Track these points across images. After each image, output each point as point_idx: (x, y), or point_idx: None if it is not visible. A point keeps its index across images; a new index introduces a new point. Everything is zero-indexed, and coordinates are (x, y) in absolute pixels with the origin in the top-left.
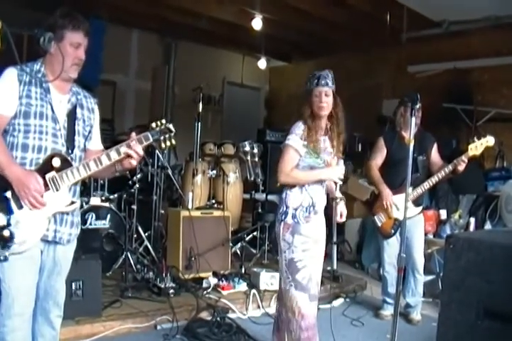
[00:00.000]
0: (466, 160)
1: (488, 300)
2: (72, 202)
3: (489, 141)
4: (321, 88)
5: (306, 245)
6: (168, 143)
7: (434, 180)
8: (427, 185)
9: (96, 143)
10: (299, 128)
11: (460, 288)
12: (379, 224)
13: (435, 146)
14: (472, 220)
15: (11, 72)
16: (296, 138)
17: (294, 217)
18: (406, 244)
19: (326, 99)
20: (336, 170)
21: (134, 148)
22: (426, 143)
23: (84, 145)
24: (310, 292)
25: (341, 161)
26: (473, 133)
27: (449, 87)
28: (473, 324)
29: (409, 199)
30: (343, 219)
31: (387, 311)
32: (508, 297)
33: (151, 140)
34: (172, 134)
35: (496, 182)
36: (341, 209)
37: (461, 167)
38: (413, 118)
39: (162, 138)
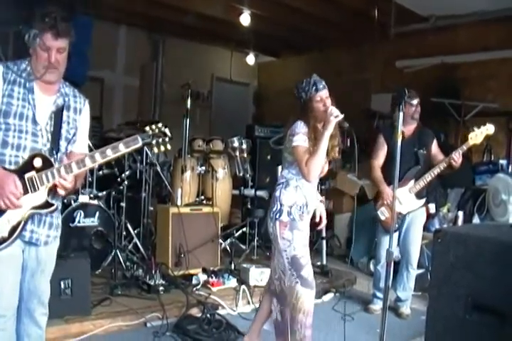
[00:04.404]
0: (463, 151)
1: (476, 294)
2: (50, 204)
3: (489, 129)
4: (321, 92)
5: (305, 240)
6: (162, 148)
7: (435, 171)
8: (428, 176)
9: (80, 146)
10: (303, 127)
11: (448, 282)
12: (383, 218)
13: (435, 142)
14: (460, 214)
15: None
16: (302, 137)
17: (289, 214)
18: (404, 236)
19: (329, 102)
20: (330, 115)
21: (59, 178)
22: (425, 139)
23: (66, 149)
24: (314, 288)
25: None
26: (461, 128)
27: (437, 81)
28: (461, 317)
29: (412, 191)
30: (323, 224)
31: (377, 305)
32: (495, 291)
33: (140, 143)
34: (167, 139)
35: (484, 175)
36: (321, 212)
37: (458, 158)
38: (401, 113)
39: (155, 142)
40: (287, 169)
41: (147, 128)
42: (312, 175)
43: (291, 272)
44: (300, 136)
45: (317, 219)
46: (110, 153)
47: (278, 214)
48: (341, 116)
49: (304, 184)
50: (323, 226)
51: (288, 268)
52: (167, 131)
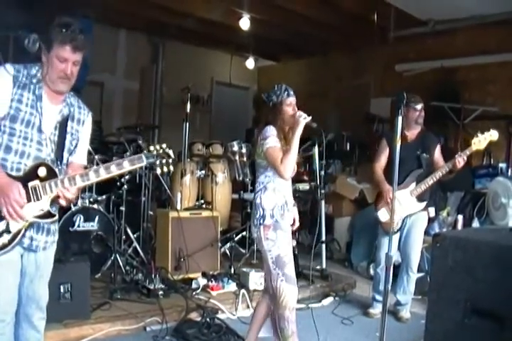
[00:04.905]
0: (466, 156)
1: (475, 298)
2: (52, 215)
3: (493, 135)
4: (291, 98)
5: (288, 239)
6: (165, 169)
7: (437, 175)
8: (430, 180)
9: (80, 157)
10: (273, 130)
11: (447, 287)
12: (383, 220)
13: (438, 147)
14: (460, 217)
15: (8, 71)
16: (274, 138)
17: (272, 216)
18: (404, 240)
19: (296, 107)
20: (299, 116)
21: (63, 190)
22: (429, 143)
23: (67, 160)
24: (296, 285)
25: None
26: (460, 131)
27: (437, 85)
28: (460, 321)
29: (413, 194)
30: (296, 226)
31: (377, 309)
32: (494, 295)
33: (145, 162)
34: (170, 160)
35: (484, 179)
36: (294, 215)
37: (460, 163)
38: (400, 117)
39: (158, 162)
40: (263, 174)
41: (151, 147)
42: (288, 172)
43: (275, 271)
44: (272, 138)
45: (291, 222)
46: (114, 169)
47: (262, 220)
48: (309, 118)
49: (281, 184)
50: (295, 228)
51: (272, 268)
52: (171, 152)
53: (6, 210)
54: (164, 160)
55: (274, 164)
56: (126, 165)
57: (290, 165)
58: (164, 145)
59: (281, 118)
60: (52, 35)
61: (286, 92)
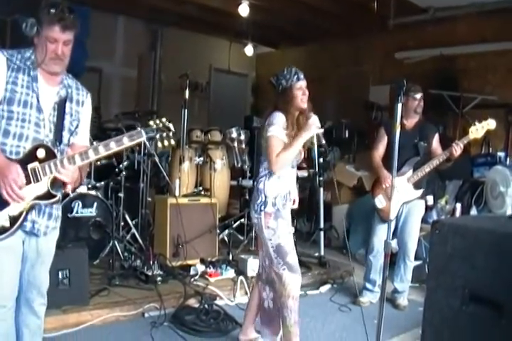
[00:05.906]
0: (463, 144)
1: (473, 286)
2: (53, 195)
3: (490, 124)
4: (301, 82)
5: (288, 228)
6: (166, 143)
7: (434, 162)
8: (427, 168)
9: (82, 137)
10: (280, 118)
11: (445, 274)
12: (380, 207)
13: (437, 136)
14: (458, 206)
15: (1, 55)
16: (278, 128)
17: (274, 204)
18: (401, 228)
19: (307, 93)
20: (312, 123)
21: (60, 171)
22: (427, 132)
23: (69, 140)
24: (300, 274)
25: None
26: (459, 120)
27: (436, 73)
28: (458, 309)
29: (410, 181)
30: (296, 205)
31: (366, 298)
32: (492, 282)
33: (144, 137)
34: (171, 133)
35: (482, 168)
36: (294, 196)
37: (457, 151)
38: (399, 105)
39: (159, 136)
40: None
41: (151, 122)
42: (278, 168)
43: (277, 260)
44: (276, 127)
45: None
46: (114, 146)
47: (263, 206)
48: (321, 130)
49: (286, 172)
50: (295, 206)
51: (274, 257)
52: (171, 125)
53: (5, 191)
54: (165, 134)
55: (270, 154)
56: (126, 141)
57: (285, 162)
58: (164, 119)
59: (291, 103)
60: (41, 16)
61: (296, 76)
